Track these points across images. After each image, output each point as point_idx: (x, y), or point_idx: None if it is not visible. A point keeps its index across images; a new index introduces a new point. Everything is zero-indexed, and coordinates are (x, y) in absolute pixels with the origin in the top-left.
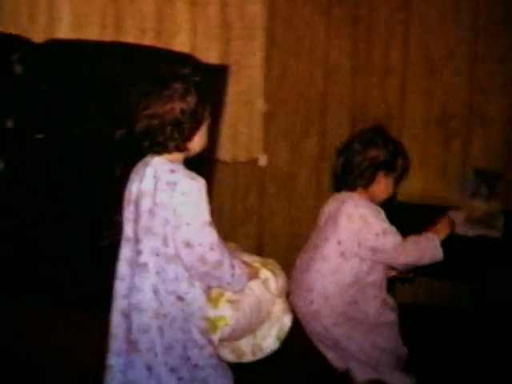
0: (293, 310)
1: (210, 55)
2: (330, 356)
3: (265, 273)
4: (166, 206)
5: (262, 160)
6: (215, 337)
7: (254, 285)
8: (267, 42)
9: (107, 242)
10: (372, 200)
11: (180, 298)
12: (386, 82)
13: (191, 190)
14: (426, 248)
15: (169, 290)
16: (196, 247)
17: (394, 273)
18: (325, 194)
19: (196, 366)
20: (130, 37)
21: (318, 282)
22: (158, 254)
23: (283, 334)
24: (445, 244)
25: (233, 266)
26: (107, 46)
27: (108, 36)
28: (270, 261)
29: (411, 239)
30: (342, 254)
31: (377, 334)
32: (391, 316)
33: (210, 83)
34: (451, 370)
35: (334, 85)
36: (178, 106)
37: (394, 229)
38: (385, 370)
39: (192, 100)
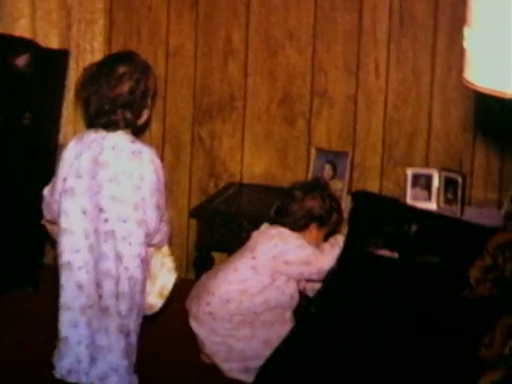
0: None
1: (50, 40)
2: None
3: None
4: (133, 174)
5: None
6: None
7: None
8: (108, 25)
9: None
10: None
11: (143, 261)
12: (229, 64)
13: (155, 158)
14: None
15: (134, 253)
16: (162, 209)
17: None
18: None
19: None
20: None
21: (222, 287)
22: (125, 221)
23: (166, 292)
24: None
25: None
26: None
27: None
28: None
29: (327, 247)
30: (254, 268)
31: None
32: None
33: (50, 68)
34: None
35: (176, 67)
36: (126, 88)
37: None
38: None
39: (138, 80)
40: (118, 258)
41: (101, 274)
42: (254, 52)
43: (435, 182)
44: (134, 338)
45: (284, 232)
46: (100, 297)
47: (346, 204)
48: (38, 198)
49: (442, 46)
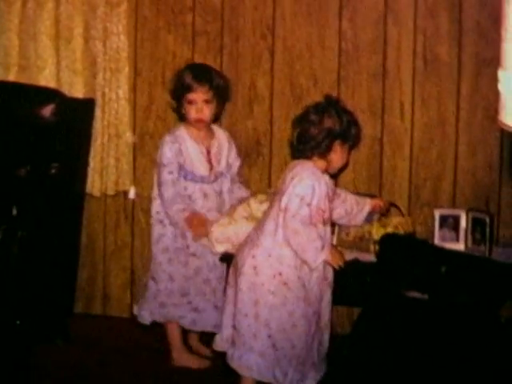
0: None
1: (75, 89)
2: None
3: None
4: None
5: (132, 192)
6: None
7: None
8: (132, 73)
9: None
10: (328, 168)
11: None
12: (254, 110)
13: None
14: (314, 249)
15: None
16: None
17: None
18: None
19: None
20: None
21: (266, 239)
22: None
23: None
24: None
25: None
26: None
27: None
28: None
29: (312, 231)
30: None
31: None
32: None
33: (76, 117)
34: None
35: None
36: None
37: (307, 210)
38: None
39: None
40: None
41: None
42: (279, 98)
43: (463, 223)
44: None
45: (306, 166)
46: None
47: (374, 247)
48: (67, 247)
49: (467, 87)
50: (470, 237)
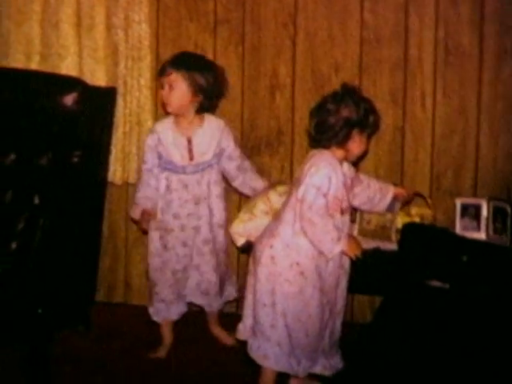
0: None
1: (97, 78)
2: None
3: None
4: None
5: None
6: None
7: None
8: (154, 62)
9: None
10: (347, 157)
11: None
12: (276, 98)
13: None
14: (330, 240)
15: None
16: None
17: None
18: None
19: None
20: (16, 62)
21: (284, 229)
22: None
23: None
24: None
25: None
26: None
27: None
28: None
29: (328, 222)
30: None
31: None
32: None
33: (98, 106)
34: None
35: (223, 103)
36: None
37: (323, 201)
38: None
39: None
40: None
41: None
42: (301, 86)
43: (484, 212)
44: None
45: (324, 156)
46: None
47: (396, 236)
48: (89, 236)
49: (488, 76)
50: (491, 226)
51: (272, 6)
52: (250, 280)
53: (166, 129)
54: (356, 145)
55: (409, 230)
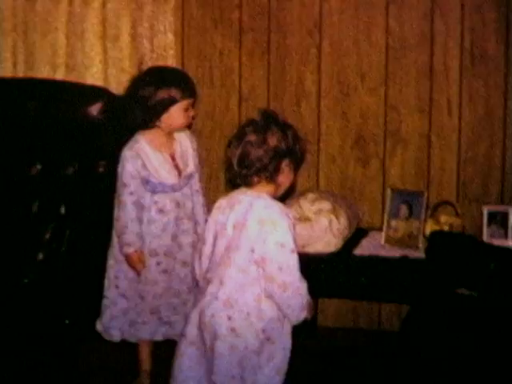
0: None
1: (123, 87)
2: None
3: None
4: None
5: None
6: None
7: None
8: None
9: None
10: (277, 190)
11: None
12: (301, 107)
13: None
14: (299, 307)
15: None
16: None
17: None
18: None
19: None
20: (42, 72)
21: (240, 296)
22: None
23: None
24: (367, 265)
25: None
26: (19, 82)
27: (19, 72)
28: None
29: (302, 285)
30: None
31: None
32: None
33: (123, 115)
34: None
35: (249, 112)
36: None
37: (293, 257)
38: None
39: None
40: None
41: None
42: (327, 94)
43: None
44: None
45: (269, 203)
46: None
47: (423, 244)
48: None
49: None
50: None
51: (297, 13)
52: (195, 351)
53: (146, 151)
54: (285, 177)
55: (436, 237)
